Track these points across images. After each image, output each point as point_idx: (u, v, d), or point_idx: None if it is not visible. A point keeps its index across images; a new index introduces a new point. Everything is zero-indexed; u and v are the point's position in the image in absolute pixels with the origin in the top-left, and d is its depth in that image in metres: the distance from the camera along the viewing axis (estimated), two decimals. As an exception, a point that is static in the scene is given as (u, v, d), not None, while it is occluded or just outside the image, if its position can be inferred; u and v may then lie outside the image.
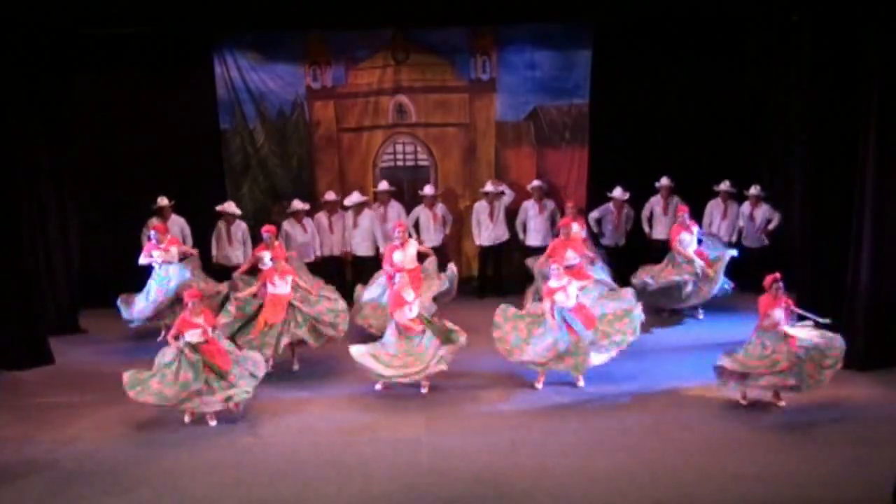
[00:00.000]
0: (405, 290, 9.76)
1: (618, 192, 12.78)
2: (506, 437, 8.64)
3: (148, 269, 11.54)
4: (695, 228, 11.92)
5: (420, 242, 12.81)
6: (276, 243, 11.39)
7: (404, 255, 11.23)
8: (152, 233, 11.49)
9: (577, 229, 11.72)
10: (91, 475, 8.09)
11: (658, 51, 12.76)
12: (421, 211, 13.01)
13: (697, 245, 11.87)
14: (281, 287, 10.19)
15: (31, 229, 11.38)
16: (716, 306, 12.13)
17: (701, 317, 12.13)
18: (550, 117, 13.30)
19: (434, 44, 13.04)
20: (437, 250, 13.07)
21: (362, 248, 12.88)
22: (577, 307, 9.76)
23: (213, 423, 9.01)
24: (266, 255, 10.66)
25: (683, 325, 12.01)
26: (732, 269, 12.00)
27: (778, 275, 9.12)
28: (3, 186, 10.54)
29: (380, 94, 13.17)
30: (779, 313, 9.00)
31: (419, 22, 12.63)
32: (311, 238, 12.65)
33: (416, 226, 13.00)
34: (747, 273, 12.81)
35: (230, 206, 12.46)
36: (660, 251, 12.44)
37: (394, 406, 9.48)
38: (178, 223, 12.47)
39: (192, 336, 8.93)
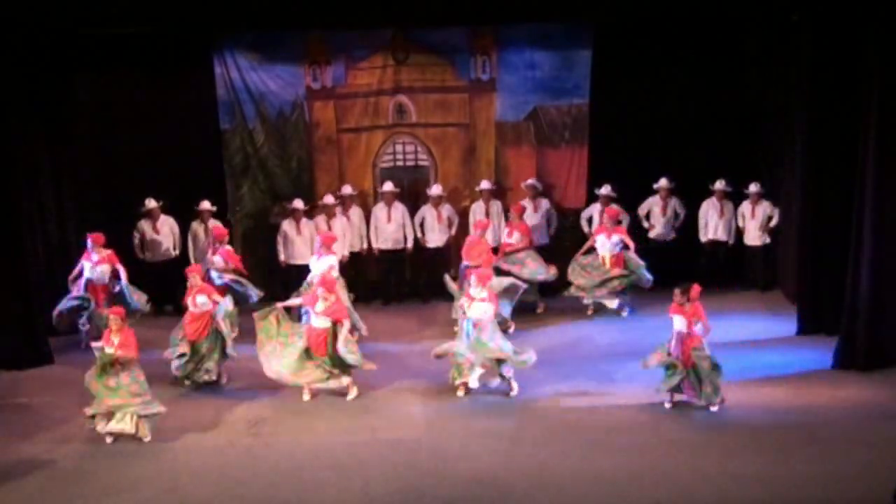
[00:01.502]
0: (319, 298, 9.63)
1: (604, 190, 12.68)
2: (506, 437, 8.64)
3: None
4: (616, 235, 11.90)
5: (424, 243, 12.85)
6: (226, 248, 11.52)
7: (316, 265, 11.08)
8: (89, 242, 11.11)
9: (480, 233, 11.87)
10: (90, 475, 8.11)
11: (658, 51, 12.74)
12: (427, 211, 12.98)
13: (619, 250, 11.88)
14: (203, 306, 9.94)
15: (31, 229, 11.36)
16: (716, 306, 12.08)
17: (624, 314, 12.12)
18: (550, 117, 13.26)
19: (434, 44, 12.99)
20: (441, 251, 13.08)
21: (356, 244, 12.88)
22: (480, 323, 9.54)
23: (108, 440, 8.71)
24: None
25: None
26: (733, 268, 12.01)
27: (696, 286, 9.05)
28: (3, 186, 10.54)
29: (380, 95, 13.12)
30: (680, 321, 8.98)
31: (419, 22, 12.60)
32: (308, 240, 12.56)
33: (422, 225, 12.98)
34: (748, 272, 12.87)
35: (205, 205, 12.46)
36: (659, 251, 12.46)
37: (394, 406, 9.49)
38: (167, 223, 12.50)
39: (110, 350, 8.78)
